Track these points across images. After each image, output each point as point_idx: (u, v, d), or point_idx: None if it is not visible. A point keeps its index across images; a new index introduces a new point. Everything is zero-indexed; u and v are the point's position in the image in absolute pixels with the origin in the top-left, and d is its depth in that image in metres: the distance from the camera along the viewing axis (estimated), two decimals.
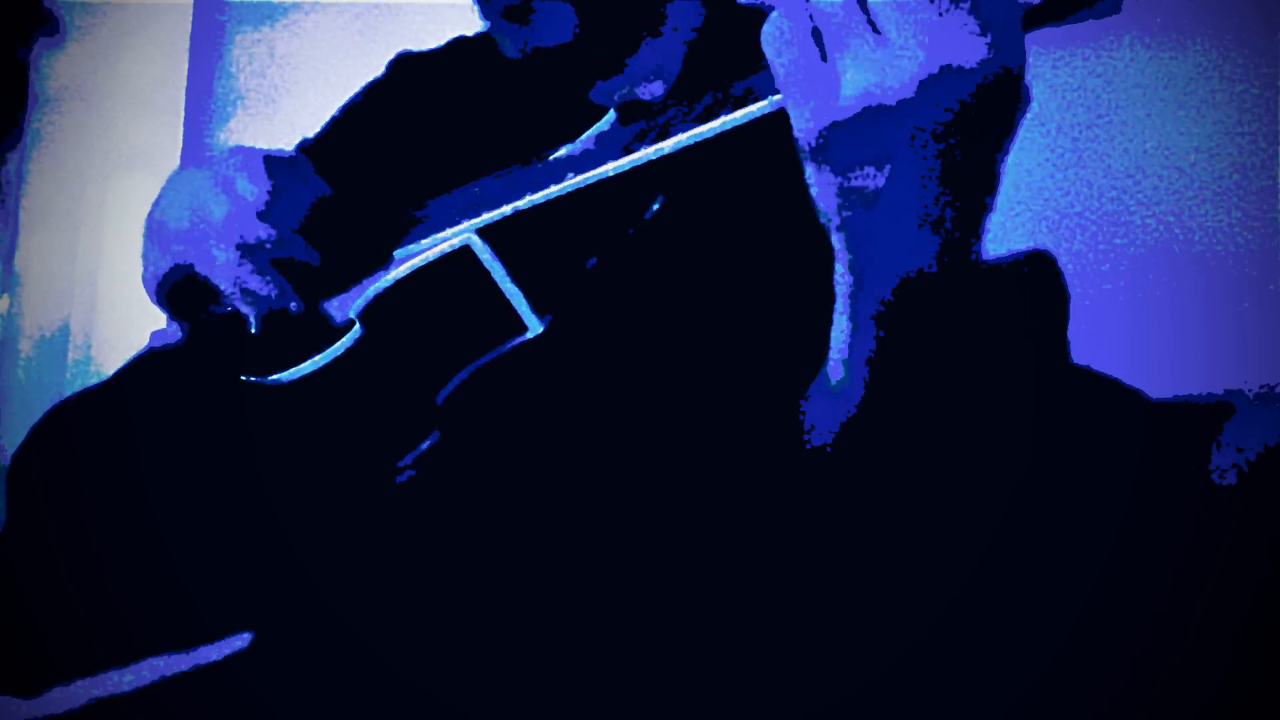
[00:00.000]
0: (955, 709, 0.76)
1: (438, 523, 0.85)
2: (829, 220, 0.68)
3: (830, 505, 0.75)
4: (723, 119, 0.72)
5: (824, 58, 0.63)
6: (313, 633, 0.84)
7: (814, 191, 0.67)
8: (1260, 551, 0.91)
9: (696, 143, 0.74)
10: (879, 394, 0.70)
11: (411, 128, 1.00)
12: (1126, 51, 1.40)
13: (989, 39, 0.61)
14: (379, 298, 0.86)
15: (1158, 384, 0.93)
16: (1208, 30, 1.36)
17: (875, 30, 0.62)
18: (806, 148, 0.66)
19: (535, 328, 0.84)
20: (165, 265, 0.91)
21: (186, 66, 1.85)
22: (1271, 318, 1.30)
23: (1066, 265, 0.88)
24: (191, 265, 0.89)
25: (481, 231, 0.84)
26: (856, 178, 0.65)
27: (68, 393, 0.97)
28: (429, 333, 0.86)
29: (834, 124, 0.63)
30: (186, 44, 1.85)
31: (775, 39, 0.65)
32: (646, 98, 0.92)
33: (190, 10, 1.85)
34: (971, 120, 0.63)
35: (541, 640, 0.81)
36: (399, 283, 0.85)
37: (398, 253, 0.87)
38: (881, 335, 0.68)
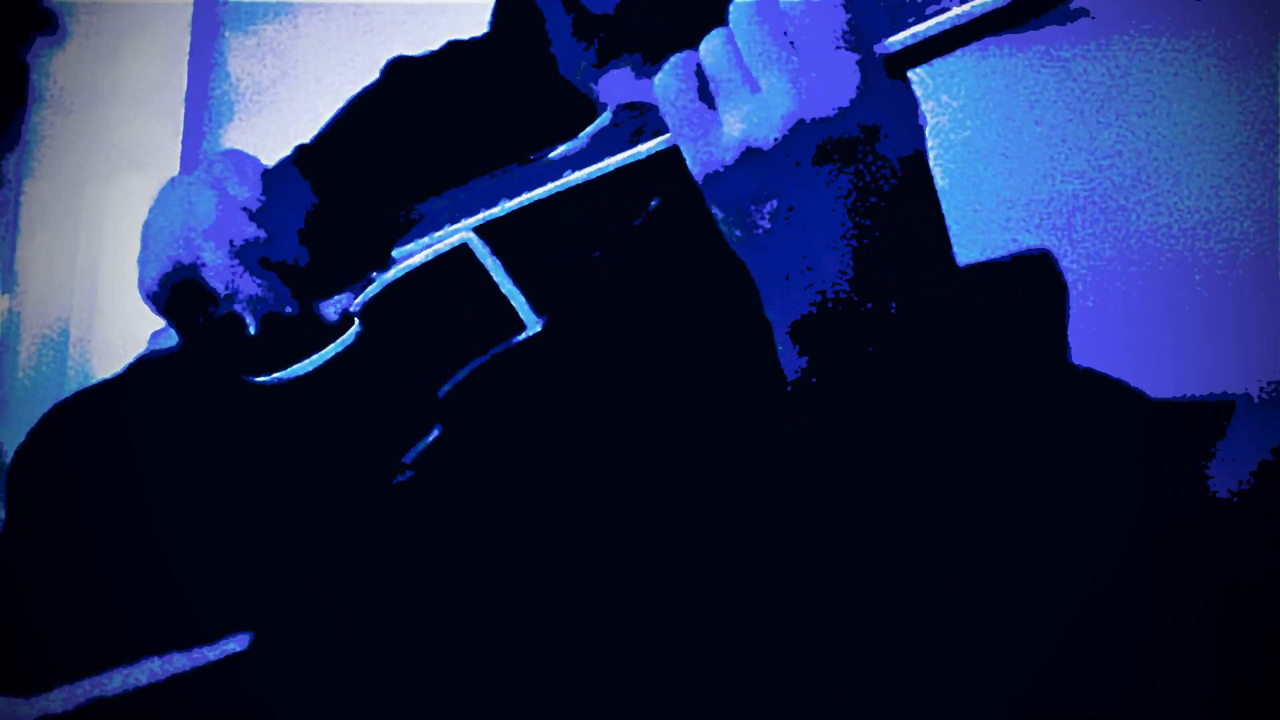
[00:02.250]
0: (953, 711, 0.76)
1: (438, 522, 0.85)
2: (734, 246, 0.74)
3: (830, 504, 0.75)
4: (632, 152, 0.77)
5: (712, 105, 0.71)
6: (312, 633, 0.84)
7: (718, 221, 0.74)
8: (1261, 551, 0.91)
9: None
10: (841, 397, 0.73)
11: (407, 130, 1.00)
12: (1126, 50, 1.40)
13: (850, 87, 0.69)
14: (377, 297, 0.86)
15: (1158, 384, 0.93)
16: (1208, 30, 1.37)
17: (751, 80, 0.70)
18: (701, 187, 0.73)
19: (534, 326, 0.84)
20: (160, 270, 0.91)
21: (186, 67, 1.85)
22: (1271, 318, 1.30)
23: (1066, 265, 0.88)
24: (186, 268, 0.89)
25: (480, 230, 0.84)
26: (747, 212, 0.72)
27: (68, 393, 0.96)
28: (427, 332, 0.86)
29: (718, 167, 0.71)
30: (186, 44, 1.85)
31: (667, 87, 0.72)
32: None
33: (190, 10, 1.85)
34: (851, 154, 0.70)
35: (541, 638, 0.81)
36: (397, 281, 0.85)
37: (396, 252, 0.88)
38: (800, 348, 0.73)
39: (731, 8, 0.72)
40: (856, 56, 0.69)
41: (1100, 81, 1.40)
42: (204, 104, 1.86)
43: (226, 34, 1.87)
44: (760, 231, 0.72)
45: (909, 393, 0.72)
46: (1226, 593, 0.88)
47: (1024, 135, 1.41)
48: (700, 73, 0.72)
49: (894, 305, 0.71)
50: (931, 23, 0.69)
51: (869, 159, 0.70)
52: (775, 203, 0.71)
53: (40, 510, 0.89)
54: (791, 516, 0.78)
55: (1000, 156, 1.41)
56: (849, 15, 0.69)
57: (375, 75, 1.08)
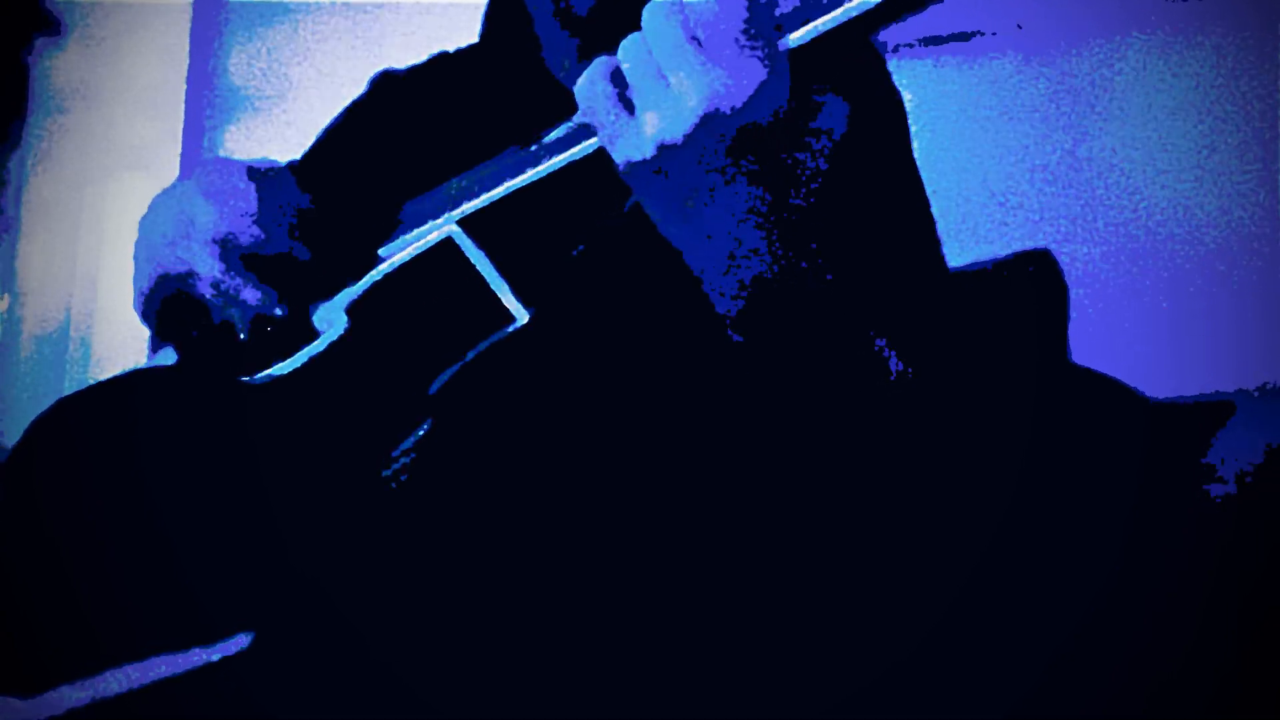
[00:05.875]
0: (955, 709, 0.76)
1: (435, 517, 0.85)
2: (664, 235, 0.76)
3: (828, 504, 0.75)
4: (565, 154, 0.80)
5: (630, 109, 0.75)
6: (312, 632, 0.84)
7: (648, 213, 0.77)
8: (1261, 551, 0.91)
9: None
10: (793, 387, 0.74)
11: (395, 143, 1.01)
12: (1127, 51, 1.40)
13: (754, 81, 0.72)
14: (366, 295, 0.86)
15: (1158, 384, 0.93)
16: (1208, 30, 1.37)
17: (663, 78, 0.73)
18: (626, 180, 0.76)
19: (522, 317, 0.84)
20: (152, 284, 0.92)
21: (186, 66, 1.85)
22: (1271, 317, 1.30)
23: (1066, 265, 0.88)
24: (175, 276, 0.90)
25: (464, 224, 0.84)
26: (669, 202, 0.75)
27: (67, 393, 0.96)
28: (417, 327, 0.86)
29: (639, 161, 0.74)
30: (186, 44, 1.85)
31: (585, 89, 0.76)
32: None
33: (190, 10, 1.85)
34: (762, 144, 0.73)
35: (539, 632, 0.81)
36: (385, 279, 0.86)
37: (382, 250, 0.88)
38: (743, 330, 0.75)
39: (645, 10, 0.75)
40: (761, 52, 0.72)
41: (1101, 83, 1.40)
42: (204, 104, 1.86)
43: (226, 34, 1.87)
44: (683, 222, 0.75)
45: (905, 390, 0.72)
46: (1226, 591, 0.88)
47: (1025, 137, 1.41)
48: (618, 78, 0.75)
49: (835, 289, 0.73)
50: (828, 17, 0.73)
51: (779, 149, 0.73)
52: (692, 194, 0.74)
53: (38, 509, 0.89)
54: (790, 510, 0.78)
55: (1001, 158, 1.41)
56: (753, 13, 0.73)
57: (369, 79, 1.08)
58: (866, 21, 0.72)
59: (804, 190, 0.74)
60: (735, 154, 0.73)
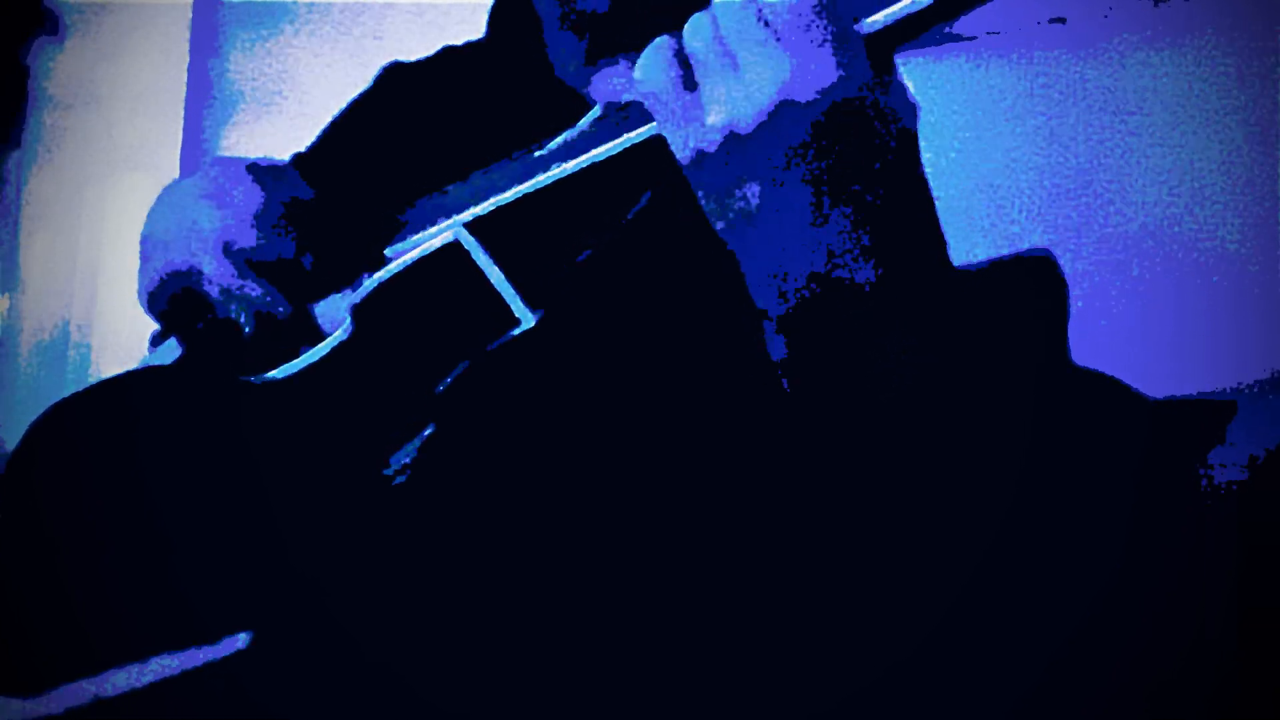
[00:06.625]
0: (954, 710, 0.76)
1: (436, 520, 0.85)
2: (720, 232, 0.73)
3: (830, 503, 0.75)
4: (616, 141, 0.77)
5: (691, 87, 0.70)
6: (313, 632, 0.84)
7: (704, 207, 0.73)
8: (1261, 551, 0.91)
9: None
10: (838, 388, 0.72)
11: (401, 136, 1.01)
12: (1126, 51, 1.40)
13: (831, 69, 0.68)
14: (371, 296, 0.86)
15: (1158, 384, 0.93)
16: (1208, 30, 1.37)
17: (734, 61, 0.69)
18: (685, 173, 0.71)
19: (528, 321, 0.84)
20: (158, 279, 0.92)
21: (186, 66, 1.85)
22: (1272, 317, 1.30)
23: (1066, 265, 0.88)
24: (181, 274, 0.90)
25: (471, 226, 0.84)
26: (731, 196, 0.71)
27: (67, 393, 0.97)
28: (422, 329, 0.86)
29: (702, 150, 0.70)
30: (186, 44, 1.85)
31: (648, 70, 0.71)
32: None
33: (190, 10, 1.86)
34: (834, 136, 0.68)
35: (542, 636, 0.81)
36: (391, 280, 0.86)
37: (389, 251, 0.88)
38: (789, 340, 0.72)
39: None
40: (838, 37, 0.69)
41: (1101, 81, 1.40)
42: (204, 104, 1.86)
43: (226, 34, 1.87)
44: (744, 218, 0.71)
45: (908, 389, 0.71)
46: (1228, 591, 0.88)
47: (1025, 135, 1.41)
48: (682, 59, 0.71)
49: (887, 294, 0.70)
50: (906, 2, 0.69)
51: (853, 141, 0.69)
52: (758, 188, 0.70)
53: (38, 509, 0.89)
54: (791, 512, 0.78)
55: (1001, 157, 1.41)
56: None
57: (365, 86, 1.08)
58: (942, 8, 0.68)
59: (867, 185, 0.70)
60: (804, 145, 0.69)
